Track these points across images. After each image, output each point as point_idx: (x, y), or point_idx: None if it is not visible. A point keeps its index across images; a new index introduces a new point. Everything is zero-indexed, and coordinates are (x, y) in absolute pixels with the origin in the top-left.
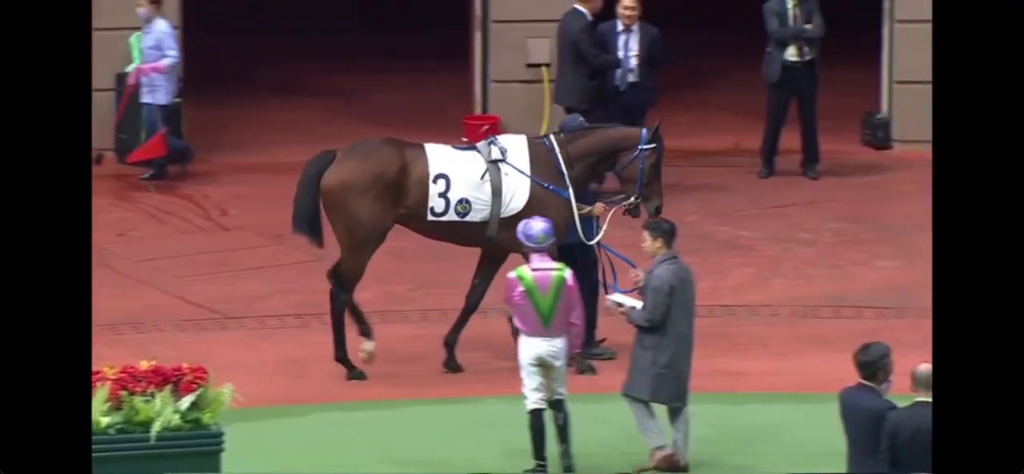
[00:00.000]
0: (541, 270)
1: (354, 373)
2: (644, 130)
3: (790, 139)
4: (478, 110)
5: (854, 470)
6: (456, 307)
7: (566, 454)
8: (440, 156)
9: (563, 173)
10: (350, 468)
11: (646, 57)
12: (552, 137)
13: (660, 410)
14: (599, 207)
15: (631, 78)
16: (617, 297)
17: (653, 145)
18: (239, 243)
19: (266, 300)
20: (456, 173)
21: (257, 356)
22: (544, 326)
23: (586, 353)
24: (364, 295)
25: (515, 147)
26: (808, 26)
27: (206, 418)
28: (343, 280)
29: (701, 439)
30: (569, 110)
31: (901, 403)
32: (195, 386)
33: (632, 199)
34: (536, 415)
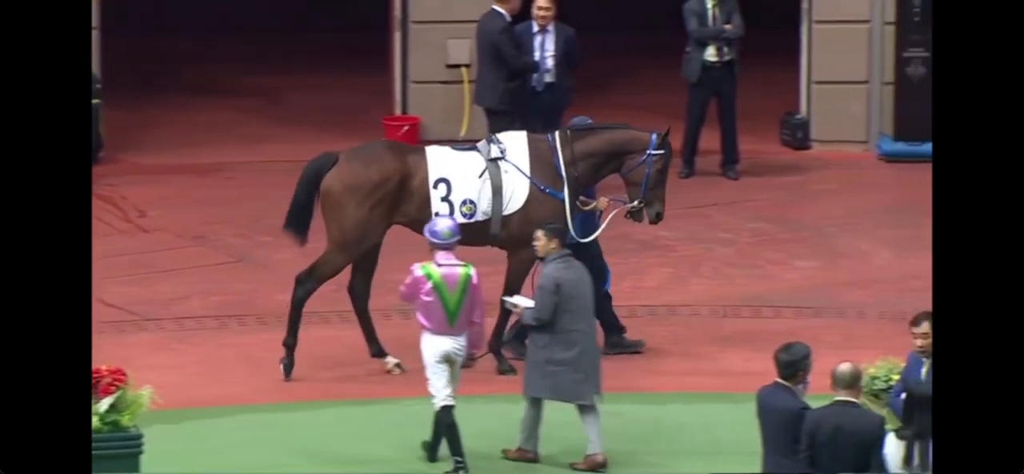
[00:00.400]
0: (448, 267)
1: (287, 364)
2: (654, 135)
3: (709, 139)
4: (398, 111)
5: (769, 469)
6: (376, 309)
7: (433, 448)
8: (440, 160)
9: (562, 175)
10: (270, 468)
11: (562, 58)
12: (556, 135)
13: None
14: (603, 201)
15: (548, 79)
16: (514, 298)
17: (661, 151)
18: (158, 245)
19: (184, 301)
20: (455, 175)
21: (176, 358)
22: (449, 324)
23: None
24: (286, 296)
25: (514, 145)
26: (728, 26)
27: (125, 420)
28: (315, 273)
29: (620, 438)
30: (489, 111)
31: (818, 403)
32: (114, 388)
33: (636, 203)
34: (447, 412)
